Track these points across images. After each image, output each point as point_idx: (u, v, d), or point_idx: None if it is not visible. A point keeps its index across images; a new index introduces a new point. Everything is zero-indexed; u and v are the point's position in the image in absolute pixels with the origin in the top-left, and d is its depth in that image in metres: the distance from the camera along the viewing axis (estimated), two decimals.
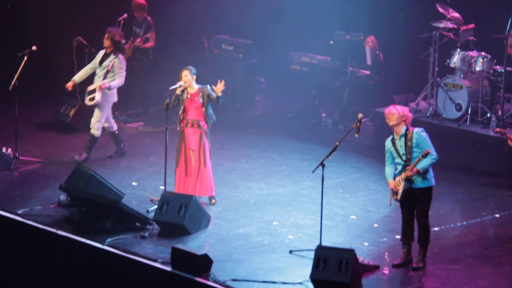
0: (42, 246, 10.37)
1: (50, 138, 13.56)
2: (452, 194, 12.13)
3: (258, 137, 14.27)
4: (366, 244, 10.34)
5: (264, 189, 12.03)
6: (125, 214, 10.49)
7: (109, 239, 10.10)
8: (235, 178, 12.37)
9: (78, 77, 12.70)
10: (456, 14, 14.15)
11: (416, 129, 9.71)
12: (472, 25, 14.18)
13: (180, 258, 9.37)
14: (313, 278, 9.19)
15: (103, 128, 12.71)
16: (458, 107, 13.65)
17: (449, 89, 13.72)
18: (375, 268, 9.64)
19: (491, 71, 13.68)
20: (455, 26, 14.04)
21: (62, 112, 14.20)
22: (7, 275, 10.49)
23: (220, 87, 11.07)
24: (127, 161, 12.90)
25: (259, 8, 16.38)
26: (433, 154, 9.60)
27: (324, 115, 15.12)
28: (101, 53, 12.65)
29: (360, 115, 10.06)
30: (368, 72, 15.16)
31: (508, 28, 13.42)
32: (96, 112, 12.59)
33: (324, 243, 9.84)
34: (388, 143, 9.82)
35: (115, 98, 12.69)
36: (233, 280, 9.30)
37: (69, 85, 12.61)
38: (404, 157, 9.66)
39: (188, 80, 11.16)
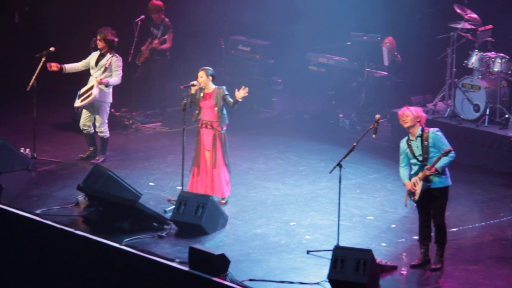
0: (60, 246, 10.40)
1: (68, 139, 13.61)
2: (470, 195, 12.09)
3: (275, 137, 14.26)
4: (383, 244, 10.32)
5: (282, 189, 12.02)
6: (143, 214, 10.52)
7: (126, 239, 10.12)
8: (252, 178, 12.37)
9: (69, 66, 12.61)
10: (474, 15, 14.10)
11: (432, 129, 9.69)
12: (490, 26, 14.13)
13: (198, 258, 9.38)
14: (331, 279, 9.17)
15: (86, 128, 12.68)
16: (476, 108, 13.60)
17: (467, 90, 13.67)
18: (393, 268, 9.61)
19: (509, 72, 13.63)
20: (473, 27, 13.99)
21: (79, 112, 14.23)
22: (26, 274, 10.53)
23: (242, 93, 11.08)
24: (144, 161, 12.93)
25: (276, 9, 16.39)
26: (452, 152, 9.59)
27: (341, 115, 15.11)
28: (95, 54, 12.64)
29: (377, 116, 10.05)
30: (385, 73, 15.13)
31: None
32: (97, 117, 12.59)
33: (341, 244, 9.83)
34: (403, 144, 9.79)
35: (111, 99, 12.69)
36: (251, 280, 9.30)
37: (55, 64, 12.48)
38: (420, 158, 9.63)
39: (203, 81, 11.17)
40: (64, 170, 12.48)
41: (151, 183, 12.03)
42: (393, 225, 10.91)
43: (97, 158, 12.72)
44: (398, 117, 9.86)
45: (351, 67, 15.15)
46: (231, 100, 11.12)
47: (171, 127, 14.55)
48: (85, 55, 12.99)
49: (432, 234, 9.80)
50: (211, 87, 11.23)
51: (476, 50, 13.75)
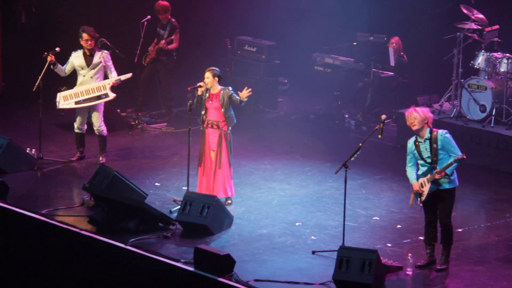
0: (65, 246, 10.42)
1: (73, 139, 13.61)
2: (476, 196, 12.07)
3: (281, 138, 14.26)
4: (389, 245, 10.30)
5: (287, 189, 12.02)
6: (148, 214, 10.52)
7: (132, 239, 10.13)
8: (258, 178, 12.37)
9: (59, 67, 12.44)
10: (481, 15, 14.07)
11: (441, 131, 9.65)
12: (496, 26, 14.10)
13: (203, 258, 9.38)
14: (336, 279, 9.17)
15: (79, 127, 12.68)
16: (483, 108, 13.58)
17: (473, 90, 13.65)
18: (398, 269, 9.60)
19: None
20: (480, 27, 13.96)
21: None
22: (32, 274, 10.55)
23: (245, 93, 11.10)
24: (150, 161, 12.94)
25: (282, 10, 16.38)
26: (459, 153, 9.56)
27: (347, 116, 15.10)
28: (78, 56, 12.43)
29: (383, 116, 10.03)
30: (391, 73, 15.12)
31: None
32: (96, 115, 12.56)
33: (347, 244, 9.82)
34: (410, 144, 9.77)
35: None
36: (256, 280, 9.29)
37: (53, 58, 12.37)
38: (429, 160, 9.60)
39: (209, 82, 11.17)
40: (70, 170, 12.50)
41: (156, 184, 12.04)
42: (399, 226, 10.90)
43: (100, 158, 12.71)
44: (405, 119, 9.81)
45: (357, 67, 15.14)
46: (237, 97, 11.12)
47: (177, 128, 14.56)
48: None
49: (438, 234, 9.78)
50: (217, 87, 11.23)
51: (483, 51, 13.73)
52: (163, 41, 14.69)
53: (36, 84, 12.52)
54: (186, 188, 11.24)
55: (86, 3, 16.61)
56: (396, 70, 15.10)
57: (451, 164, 9.49)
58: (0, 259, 10.79)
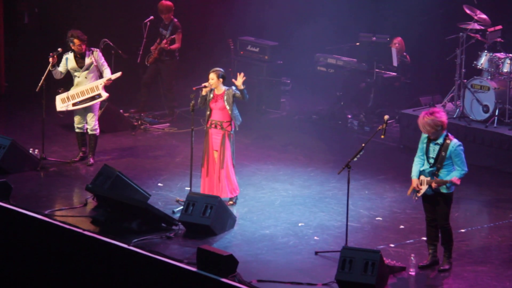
0: (68, 246, 10.42)
1: (76, 139, 13.61)
2: (479, 196, 12.06)
3: (284, 138, 14.25)
4: (392, 245, 10.30)
5: (290, 190, 12.02)
6: (151, 214, 10.53)
7: (135, 240, 10.13)
8: (260, 179, 12.37)
9: (56, 70, 12.50)
10: (484, 16, 14.06)
11: (454, 142, 9.50)
12: (499, 27, 14.09)
13: (206, 258, 9.38)
14: (339, 279, 9.16)
15: (79, 128, 12.71)
16: (485, 108, 13.57)
17: (476, 91, 13.64)
18: (401, 269, 9.59)
19: None
20: (482, 27, 13.95)
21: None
22: (34, 274, 10.55)
23: (240, 79, 11.06)
24: (153, 162, 12.95)
25: (284, 10, 16.38)
26: (464, 169, 9.50)
27: (350, 116, 15.09)
28: (71, 58, 12.47)
29: (386, 117, 10.02)
30: (394, 73, 15.11)
31: None
32: (91, 115, 12.57)
33: (350, 245, 9.81)
34: (424, 137, 9.66)
35: None
36: (259, 281, 9.29)
37: (54, 60, 12.39)
38: (432, 161, 9.57)
39: (214, 83, 11.18)
40: (73, 170, 12.51)
41: (159, 184, 12.04)
42: (402, 226, 10.89)
43: (89, 159, 12.66)
44: (421, 122, 9.51)
45: (360, 67, 15.14)
46: (239, 93, 11.11)
47: (180, 128, 14.56)
48: None
49: (440, 234, 9.77)
50: (222, 88, 11.24)
51: (486, 51, 13.72)
52: (165, 41, 14.69)
53: (39, 84, 12.52)
54: (189, 188, 11.24)
55: (88, 4, 16.61)
56: (399, 71, 15.10)
57: (447, 182, 9.45)
58: (3, 259, 10.79)
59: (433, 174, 9.55)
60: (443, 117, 9.55)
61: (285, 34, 16.29)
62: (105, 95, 12.45)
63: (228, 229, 10.63)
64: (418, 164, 9.69)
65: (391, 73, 15.10)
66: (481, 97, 13.61)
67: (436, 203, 9.63)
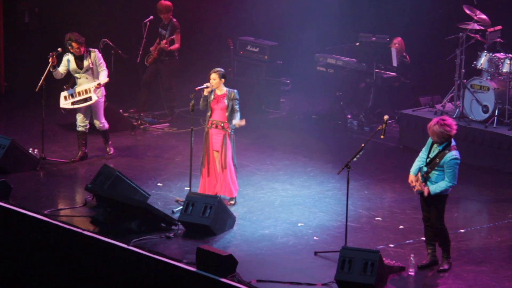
0: (68, 246, 10.42)
1: (76, 139, 13.60)
2: (479, 196, 12.06)
3: (283, 138, 14.25)
4: (391, 245, 10.30)
5: (289, 190, 12.02)
6: (151, 214, 10.52)
7: (134, 240, 10.13)
8: (260, 179, 12.37)
9: (57, 71, 12.57)
10: (483, 16, 14.06)
11: (450, 154, 9.43)
12: (499, 27, 14.09)
13: (205, 258, 9.38)
14: (338, 279, 9.17)
15: (82, 126, 12.76)
16: (485, 109, 13.57)
17: (476, 91, 13.64)
18: (401, 269, 9.59)
19: None
20: (482, 27, 13.95)
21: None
22: (34, 274, 10.55)
23: (240, 122, 11.12)
24: (152, 162, 12.95)
25: (284, 10, 16.38)
26: (452, 182, 9.45)
27: (349, 116, 15.09)
28: (71, 60, 12.55)
29: (385, 117, 10.02)
30: (394, 73, 15.11)
31: None
32: (96, 114, 12.70)
33: (349, 245, 9.81)
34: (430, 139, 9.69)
35: (104, 92, 12.76)
36: (258, 281, 9.29)
37: (54, 61, 12.45)
38: (427, 161, 9.56)
39: (215, 83, 11.19)
40: (72, 170, 12.51)
41: (159, 184, 12.04)
42: (401, 226, 10.89)
43: (108, 150, 12.93)
44: (431, 129, 9.44)
45: (360, 68, 15.14)
46: (237, 108, 11.13)
47: (180, 128, 14.56)
48: None
49: None
50: (223, 89, 11.25)
51: (485, 51, 13.71)
52: (164, 41, 14.69)
53: (39, 84, 12.53)
54: (188, 188, 11.24)
55: (88, 4, 16.61)
56: (398, 71, 15.10)
57: (427, 191, 9.44)
58: (3, 259, 10.79)
59: (423, 177, 9.55)
60: (452, 130, 9.48)
61: (285, 34, 16.30)
62: (94, 98, 12.52)
63: (228, 229, 10.63)
64: (419, 162, 9.69)
65: (390, 73, 15.11)
66: (480, 97, 13.61)
67: (429, 204, 9.64)
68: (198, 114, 11.66)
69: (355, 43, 15.26)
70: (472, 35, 13.90)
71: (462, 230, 10.70)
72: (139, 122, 14.65)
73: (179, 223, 10.60)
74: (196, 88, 11.23)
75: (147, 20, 14.87)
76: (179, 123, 14.77)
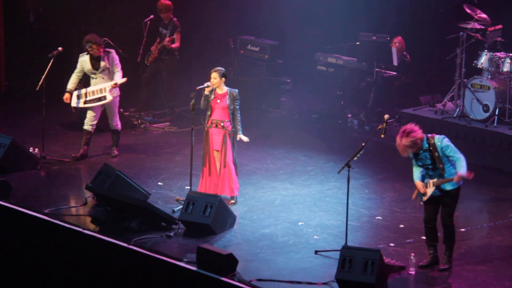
0: (68, 245, 10.42)
1: (76, 139, 13.61)
2: (479, 195, 12.05)
3: (284, 137, 14.25)
4: (392, 245, 10.30)
5: (290, 189, 12.02)
6: (151, 213, 10.52)
7: (135, 239, 10.13)
8: (260, 178, 12.37)
9: (72, 85, 12.78)
10: (484, 15, 14.06)
11: (437, 138, 9.46)
12: (499, 26, 14.08)
13: (206, 257, 9.38)
14: (339, 279, 9.17)
15: (89, 126, 12.80)
16: (486, 108, 13.57)
17: (476, 90, 13.64)
18: (401, 269, 9.59)
19: None
20: (483, 27, 13.94)
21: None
22: (34, 273, 10.55)
23: (243, 138, 11.22)
24: (152, 161, 12.95)
25: (285, 9, 16.37)
26: (460, 157, 9.49)
27: (350, 116, 15.08)
28: (86, 60, 12.67)
29: (386, 116, 10.02)
30: (394, 73, 15.11)
31: None
32: (110, 112, 12.81)
33: (349, 244, 9.81)
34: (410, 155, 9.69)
35: (118, 91, 12.85)
36: (259, 280, 9.29)
37: (67, 97, 12.72)
38: (430, 166, 9.54)
39: (216, 82, 11.19)
40: (73, 169, 12.51)
41: (159, 183, 12.04)
42: (402, 225, 10.89)
43: (113, 150, 12.96)
44: (402, 147, 9.36)
45: (360, 67, 15.13)
46: (237, 108, 11.13)
47: (180, 127, 14.56)
48: None
49: (439, 234, 9.77)
50: (224, 88, 11.25)
51: (486, 50, 13.71)
52: (167, 39, 14.68)
53: (39, 83, 12.54)
54: (188, 187, 11.24)
55: (91, 4, 16.60)
56: (399, 70, 15.09)
57: (451, 180, 9.44)
58: (3, 258, 10.79)
59: (440, 175, 9.53)
60: (418, 132, 9.40)
61: (285, 33, 16.29)
62: (109, 98, 12.60)
63: (228, 228, 10.63)
64: (419, 168, 9.66)
65: (391, 72, 15.10)
66: (481, 96, 13.61)
67: (442, 202, 9.61)
68: (199, 113, 11.66)
69: (356, 42, 15.25)
70: (473, 34, 13.90)
71: (462, 229, 10.70)
72: (139, 121, 14.65)
73: (179, 222, 10.60)
74: (197, 88, 11.24)
75: (147, 19, 14.87)
76: (180, 122, 14.77)
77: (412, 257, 9.60)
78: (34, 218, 10.66)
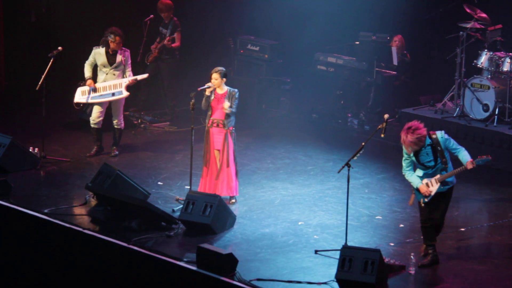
0: (68, 245, 10.42)
1: (76, 138, 13.63)
2: (479, 195, 12.06)
3: (284, 137, 14.26)
4: (391, 244, 10.30)
5: (290, 189, 12.02)
6: (151, 213, 10.53)
7: (134, 238, 10.13)
8: (260, 178, 12.37)
9: (90, 73, 12.76)
10: (484, 15, 14.07)
11: (439, 134, 9.56)
12: (499, 26, 14.09)
13: (206, 257, 9.38)
14: (339, 278, 9.17)
15: (96, 123, 12.83)
16: (486, 107, 13.57)
17: (476, 90, 13.64)
18: (401, 268, 9.59)
19: None
20: (483, 26, 13.95)
21: (88, 112, 14.28)
22: (34, 273, 10.56)
23: (225, 106, 11.17)
24: (152, 161, 12.95)
25: (285, 9, 16.37)
26: (462, 148, 9.60)
27: (350, 115, 15.09)
28: (102, 53, 12.68)
29: (386, 116, 10.03)
30: (394, 72, 15.11)
31: None
32: (116, 109, 12.84)
33: (349, 243, 9.82)
34: (407, 154, 9.70)
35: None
36: (258, 279, 9.30)
37: (90, 82, 12.69)
38: (431, 164, 9.55)
39: (217, 83, 11.20)
40: (73, 169, 12.51)
41: (159, 183, 12.05)
42: (401, 225, 10.90)
43: (113, 149, 12.96)
44: (407, 143, 9.46)
45: (360, 66, 15.14)
46: (234, 107, 11.14)
47: (180, 127, 14.57)
48: None
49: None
50: (225, 88, 11.26)
51: (486, 50, 13.72)
52: (168, 38, 14.69)
53: (39, 83, 12.54)
54: (188, 187, 11.24)
55: (93, 3, 16.60)
56: (399, 69, 15.10)
57: (461, 170, 9.48)
58: (3, 258, 10.80)
59: (443, 169, 9.55)
60: (423, 130, 9.47)
61: (285, 33, 16.28)
62: (125, 93, 12.67)
63: (228, 228, 10.63)
64: (414, 174, 9.69)
65: (391, 72, 15.10)
66: (481, 96, 13.61)
67: (441, 199, 9.63)
68: (199, 113, 11.66)
69: (356, 42, 15.26)
70: (473, 33, 13.91)
71: (462, 229, 10.70)
72: (139, 121, 14.65)
73: (179, 222, 10.60)
74: (198, 89, 11.24)
75: (147, 19, 14.87)
76: (179, 122, 14.77)
77: (412, 256, 9.60)
78: (34, 218, 10.66)
